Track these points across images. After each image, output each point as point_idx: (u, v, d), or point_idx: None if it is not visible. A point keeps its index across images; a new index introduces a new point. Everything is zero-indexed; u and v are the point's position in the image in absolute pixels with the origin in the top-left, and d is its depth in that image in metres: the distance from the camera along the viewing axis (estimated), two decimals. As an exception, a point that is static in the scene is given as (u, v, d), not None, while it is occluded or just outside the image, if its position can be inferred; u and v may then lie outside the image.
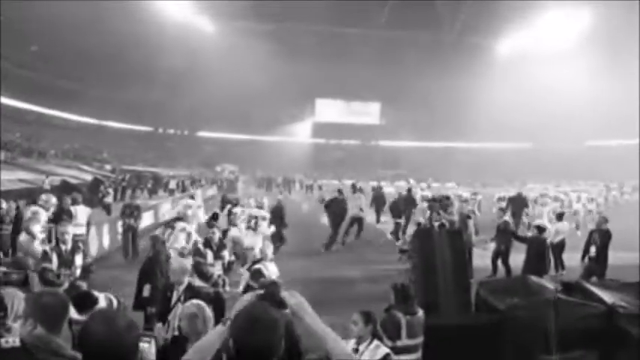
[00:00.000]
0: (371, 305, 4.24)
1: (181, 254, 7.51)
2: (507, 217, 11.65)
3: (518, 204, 16.57)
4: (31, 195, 20.96)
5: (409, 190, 17.17)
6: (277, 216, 12.23)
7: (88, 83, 47.91)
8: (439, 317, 5.60)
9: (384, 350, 3.78)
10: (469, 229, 11.04)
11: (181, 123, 60.89)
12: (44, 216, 8.77)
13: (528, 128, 55.23)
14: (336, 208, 14.17)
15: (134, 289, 6.35)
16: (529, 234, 11.08)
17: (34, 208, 9.12)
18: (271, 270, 6.47)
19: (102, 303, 3.61)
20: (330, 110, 66.71)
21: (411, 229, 13.43)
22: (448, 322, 5.63)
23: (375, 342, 3.83)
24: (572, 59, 47.22)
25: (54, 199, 9.80)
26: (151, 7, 44.47)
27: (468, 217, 11.68)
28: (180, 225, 8.97)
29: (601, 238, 9.00)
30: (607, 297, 5.44)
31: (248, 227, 9.95)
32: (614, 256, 9.17)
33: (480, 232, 13.39)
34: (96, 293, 3.72)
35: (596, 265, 8.86)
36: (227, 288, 7.51)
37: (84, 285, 4.75)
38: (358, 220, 14.60)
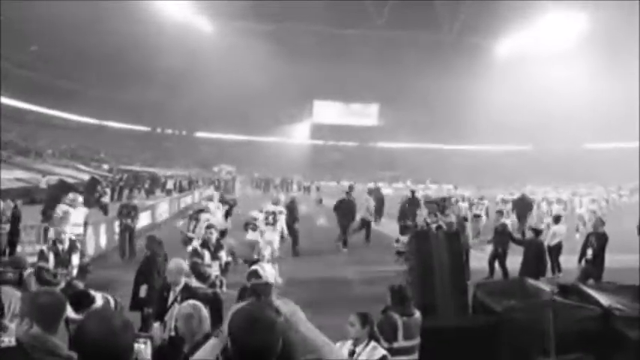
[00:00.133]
0: (368, 306, 4.24)
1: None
2: (505, 220, 11.63)
3: (522, 207, 16.51)
4: (28, 194, 21.02)
5: (413, 193, 17.07)
6: (290, 210, 12.52)
7: (87, 83, 47.73)
8: (436, 319, 5.60)
9: (381, 352, 3.77)
10: (466, 230, 11.05)
11: (179, 123, 60.68)
12: (73, 216, 8.82)
13: (527, 129, 55.09)
14: (345, 208, 14.29)
15: (131, 289, 6.34)
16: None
17: (64, 207, 9.09)
18: (268, 271, 6.44)
19: (99, 302, 3.60)
20: (328, 111, 66.64)
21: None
22: (445, 324, 5.63)
23: (372, 343, 3.82)
24: (571, 60, 47.14)
25: (80, 198, 9.80)
26: (150, 8, 44.38)
27: (465, 219, 11.69)
28: (204, 216, 9.08)
29: (598, 240, 9.02)
30: (604, 299, 5.46)
31: (266, 223, 10.02)
32: (612, 259, 9.20)
33: (483, 235, 13.39)
34: (93, 292, 3.71)
35: (593, 268, 8.87)
36: (224, 289, 7.49)
37: (80, 285, 4.74)
38: (368, 224, 14.70)
